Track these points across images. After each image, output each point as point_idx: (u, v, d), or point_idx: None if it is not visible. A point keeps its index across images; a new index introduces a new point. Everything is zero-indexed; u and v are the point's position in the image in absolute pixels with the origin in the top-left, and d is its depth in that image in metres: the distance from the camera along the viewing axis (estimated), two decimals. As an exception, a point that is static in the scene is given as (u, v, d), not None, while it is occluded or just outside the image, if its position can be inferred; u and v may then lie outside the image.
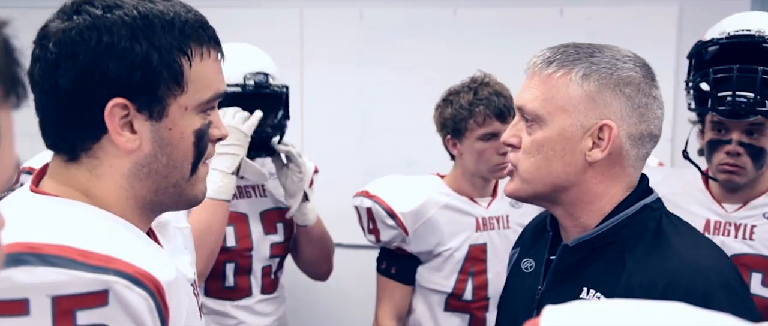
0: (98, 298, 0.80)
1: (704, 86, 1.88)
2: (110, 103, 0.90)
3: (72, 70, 0.90)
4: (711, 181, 2.01)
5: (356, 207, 2.17)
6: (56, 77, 0.90)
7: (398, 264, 2.18)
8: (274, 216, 2.21)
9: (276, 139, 2.13)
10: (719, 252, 1.20)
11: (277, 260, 2.23)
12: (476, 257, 2.14)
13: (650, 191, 1.20)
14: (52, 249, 0.80)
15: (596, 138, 1.13)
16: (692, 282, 1.05)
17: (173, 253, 1.08)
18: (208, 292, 2.12)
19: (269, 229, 2.20)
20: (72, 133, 0.93)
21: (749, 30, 1.84)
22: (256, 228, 2.16)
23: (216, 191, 1.86)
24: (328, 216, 2.38)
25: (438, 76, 2.48)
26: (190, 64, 0.95)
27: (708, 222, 1.97)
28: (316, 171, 2.33)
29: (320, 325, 3.28)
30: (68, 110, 0.92)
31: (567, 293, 1.14)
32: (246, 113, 1.97)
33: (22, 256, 0.78)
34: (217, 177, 1.87)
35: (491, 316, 2.13)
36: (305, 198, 2.16)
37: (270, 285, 2.22)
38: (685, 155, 2.05)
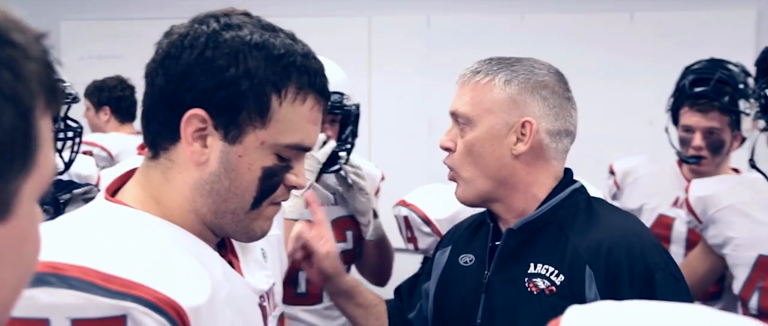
0: (116, 323, 0.81)
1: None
2: (189, 112, 0.93)
3: (170, 71, 0.93)
4: None
5: (395, 217, 2.18)
6: (158, 73, 0.95)
7: None
8: (344, 225, 2.24)
9: (343, 154, 2.16)
10: (640, 221, 1.44)
11: (344, 267, 2.26)
12: None
13: (576, 180, 1.39)
14: (75, 271, 0.82)
15: (519, 134, 1.31)
16: (630, 242, 1.26)
17: (248, 265, 1.08)
18: (284, 299, 2.17)
19: (339, 238, 2.22)
20: (155, 128, 0.97)
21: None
22: None
23: (285, 211, 1.90)
24: (392, 222, 2.40)
25: (505, 83, 2.46)
26: (281, 103, 0.94)
27: None
28: (382, 178, 2.34)
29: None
30: (157, 106, 0.95)
31: (514, 271, 1.32)
32: (323, 136, 2.00)
33: (45, 276, 0.80)
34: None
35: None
36: (374, 215, 2.19)
37: (338, 290, 2.26)
38: (752, 164, 1.99)
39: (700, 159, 2.15)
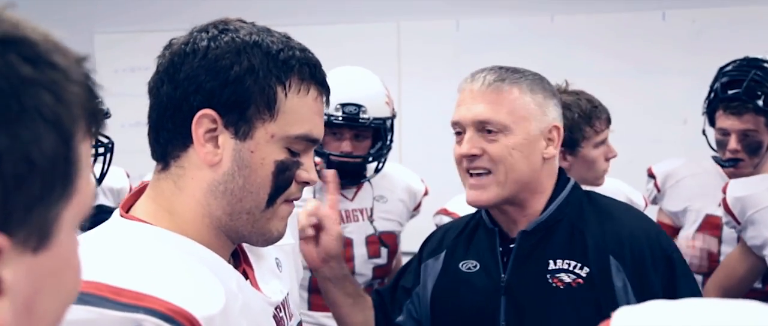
0: None
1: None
2: (199, 113, 0.94)
3: (175, 78, 0.96)
4: None
5: (436, 226, 2.17)
6: (163, 83, 0.97)
7: None
8: (377, 240, 2.23)
9: (373, 166, 2.16)
10: (638, 209, 1.57)
11: (378, 280, 2.26)
12: None
13: (568, 177, 1.46)
14: (87, 286, 0.80)
15: (547, 138, 1.38)
16: (645, 229, 1.37)
17: (263, 275, 1.09)
18: (311, 306, 2.17)
19: (373, 253, 2.22)
20: (165, 137, 0.98)
21: None
22: (359, 251, 2.19)
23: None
24: (423, 228, 2.39)
25: (536, 85, 2.45)
26: (286, 95, 0.96)
27: None
28: (426, 193, 2.33)
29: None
30: (164, 114, 0.97)
31: (533, 271, 1.37)
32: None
33: None
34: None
35: None
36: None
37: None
38: None
39: (738, 161, 2.11)
